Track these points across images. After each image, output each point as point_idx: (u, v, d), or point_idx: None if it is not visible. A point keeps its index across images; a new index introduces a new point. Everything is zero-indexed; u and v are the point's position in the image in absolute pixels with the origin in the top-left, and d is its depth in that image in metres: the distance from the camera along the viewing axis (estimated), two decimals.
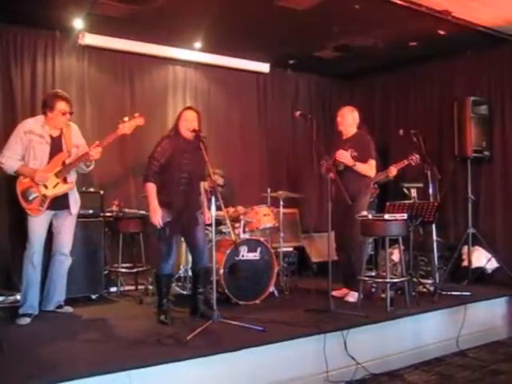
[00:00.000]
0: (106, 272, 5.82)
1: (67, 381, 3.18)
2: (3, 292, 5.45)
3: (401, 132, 6.46)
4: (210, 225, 4.55)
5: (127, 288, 6.14)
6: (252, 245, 5.45)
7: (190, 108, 4.86)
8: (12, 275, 5.65)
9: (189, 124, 4.64)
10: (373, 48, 6.98)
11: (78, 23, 6.11)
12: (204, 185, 4.91)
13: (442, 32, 6.34)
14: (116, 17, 5.88)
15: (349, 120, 5.59)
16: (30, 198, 4.69)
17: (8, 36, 6.10)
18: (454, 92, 7.28)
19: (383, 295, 5.13)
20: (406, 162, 6.28)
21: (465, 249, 6.65)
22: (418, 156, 6.20)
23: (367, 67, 7.97)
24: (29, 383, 3.10)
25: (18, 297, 5.01)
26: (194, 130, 4.61)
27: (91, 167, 4.99)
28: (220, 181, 5.98)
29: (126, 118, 4.83)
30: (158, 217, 4.52)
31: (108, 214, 5.91)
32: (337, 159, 5.38)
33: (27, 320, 4.59)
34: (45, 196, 4.71)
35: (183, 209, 4.58)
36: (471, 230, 6.61)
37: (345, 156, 5.35)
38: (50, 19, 5.97)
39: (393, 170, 6.27)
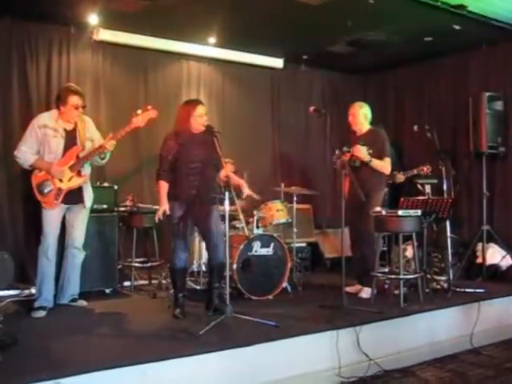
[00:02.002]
0: (119, 266, 5.85)
1: (81, 374, 3.20)
2: (18, 285, 5.50)
3: (415, 128, 6.43)
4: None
5: (141, 282, 6.17)
6: (265, 240, 5.45)
7: (200, 102, 4.79)
8: (27, 269, 5.71)
9: (203, 120, 4.62)
10: (387, 43, 6.95)
11: (92, 19, 6.15)
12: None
13: (457, 27, 6.29)
14: (130, 12, 5.89)
15: (360, 117, 5.56)
16: (45, 191, 4.72)
17: (23, 32, 6.15)
18: (469, 87, 7.23)
19: (396, 291, 5.11)
20: (415, 171, 6.25)
21: (479, 246, 6.60)
22: (429, 167, 6.16)
23: (381, 62, 7.93)
24: (43, 376, 3.11)
25: (33, 290, 5.05)
26: (207, 126, 4.59)
27: (105, 160, 5.01)
28: (231, 168, 5.93)
29: (139, 111, 4.84)
30: (161, 210, 4.54)
31: (122, 209, 5.94)
32: (354, 155, 5.36)
33: (42, 313, 4.63)
34: (60, 189, 4.75)
35: (194, 198, 4.56)
36: (486, 227, 6.56)
37: (362, 152, 5.33)
38: (65, 15, 6.01)
39: (400, 177, 6.26)
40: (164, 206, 4.56)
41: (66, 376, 3.15)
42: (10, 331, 3.86)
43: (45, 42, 6.30)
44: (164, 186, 4.60)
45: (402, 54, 7.46)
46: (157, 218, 4.60)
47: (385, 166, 5.43)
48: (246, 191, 5.05)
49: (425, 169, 6.20)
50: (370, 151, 5.36)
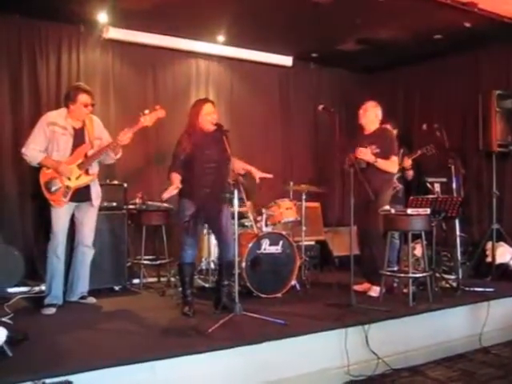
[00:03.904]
0: (128, 264, 5.88)
1: (91, 370, 3.22)
2: (28, 282, 5.54)
3: (424, 127, 6.42)
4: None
5: (150, 280, 6.21)
6: (274, 238, 5.46)
7: (208, 100, 4.84)
8: (37, 265, 5.74)
9: (211, 117, 4.64)
10: (396, 41, 6.92)
11: (102, 17, 6.17)
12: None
13: (467, 24, 6.25)
14: (140, 10, 5.91)
15: (371, 115, 5.54)
16: (53, 189, 4.74)
17: (33, 30, 6.19)
18: (479, 85, 7.18)
19: (405, 290, 5.10)
20: (419, 151, 6.29)
21: (488, 244, 6.57)
22: (432, 145, 6.17)
23: (390, 61, 7.90)
24: (53, 372, 3.13)
25: (43, 287, 5.08)
26: (216, 124, 4.61)
27: (119, 156, 5.02)
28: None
29: (147, 111, 4.85)
30: (172, 187, 4.50)
31: (131, 207, 5.96)
32: (358, 157, 5.34)
33: (52, 310, 4.66)
34: (68, 187, 4.77)
35: (208, 196, 4.57)
36: (495, 226, 6.52)
37: (365, 153, 5.32)
38: (75, 13, 6.03)
39: (406, 161, 6.26)
40: (176, 185, 4.51)
41: (76, 372, 3.16)
42: (20, 327, 3.89)
43: (54, 41, 6.33)
44: (176, 175, 4.58)
45: (412, 52, 7.42)
46: (164, 196, 4.54)
47: (391, 165, 5.40)
48: (258, 174, 5.08)
49: (429, 148, 6.20)
50: (377, 150, 5.35)
